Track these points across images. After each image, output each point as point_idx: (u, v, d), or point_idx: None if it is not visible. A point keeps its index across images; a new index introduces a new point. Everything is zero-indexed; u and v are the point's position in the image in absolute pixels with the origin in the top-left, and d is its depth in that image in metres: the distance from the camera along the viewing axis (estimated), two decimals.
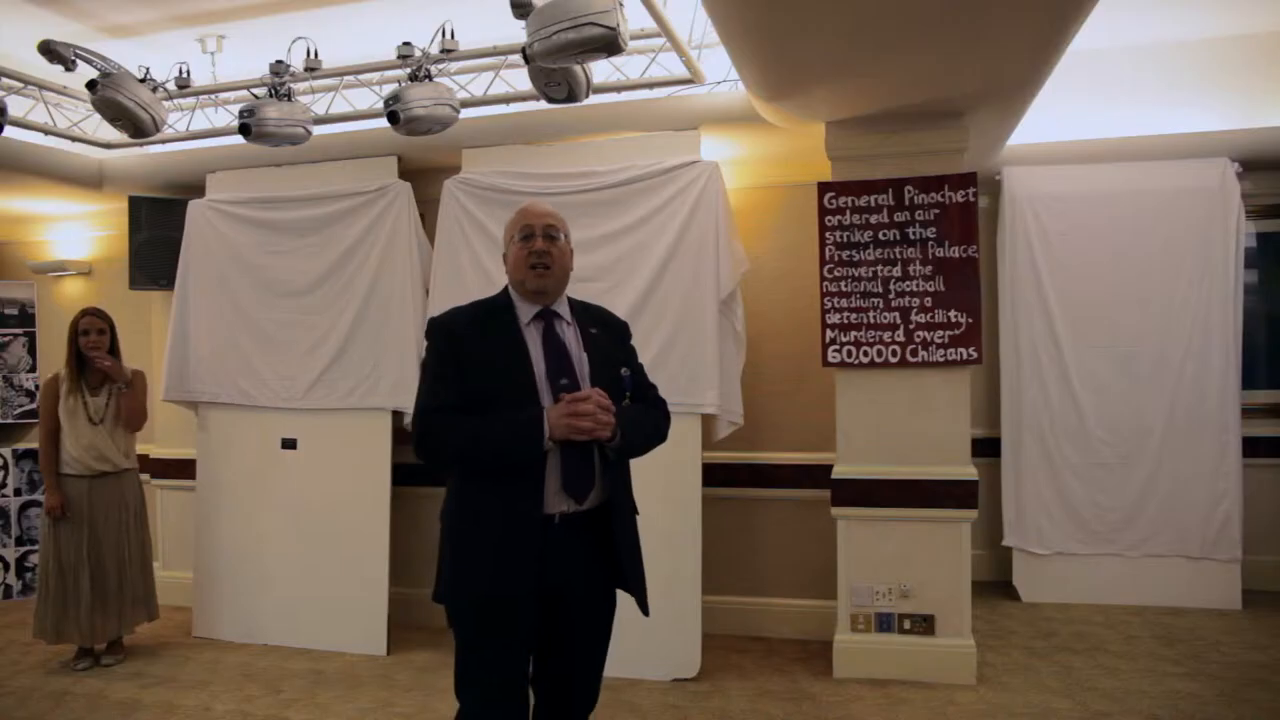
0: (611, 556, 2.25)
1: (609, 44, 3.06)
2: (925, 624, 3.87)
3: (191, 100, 4.68)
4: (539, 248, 2.25)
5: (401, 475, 4.54)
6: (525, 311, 2.29)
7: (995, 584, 5.17)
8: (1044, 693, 3.71)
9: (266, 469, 4.70)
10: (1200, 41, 4.69)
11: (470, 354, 2.21)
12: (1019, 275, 5.00)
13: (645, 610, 2.33)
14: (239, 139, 4.13)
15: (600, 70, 3.84)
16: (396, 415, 4.49)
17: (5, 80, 4.17)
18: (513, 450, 2.14)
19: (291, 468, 4.66)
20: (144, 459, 4.67)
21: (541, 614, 2.20)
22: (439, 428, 2.19)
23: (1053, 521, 4.96)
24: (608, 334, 2.38)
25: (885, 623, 3.91)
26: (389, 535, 4.47)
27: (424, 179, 4.63)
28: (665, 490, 3.98)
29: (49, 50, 3.74)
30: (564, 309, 2.33)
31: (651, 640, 3.95)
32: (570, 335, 2.30)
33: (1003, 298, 5.07)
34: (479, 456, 2.18)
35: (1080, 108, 4.72)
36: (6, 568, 5.54)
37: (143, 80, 4.04)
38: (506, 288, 2.35)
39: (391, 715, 3.67)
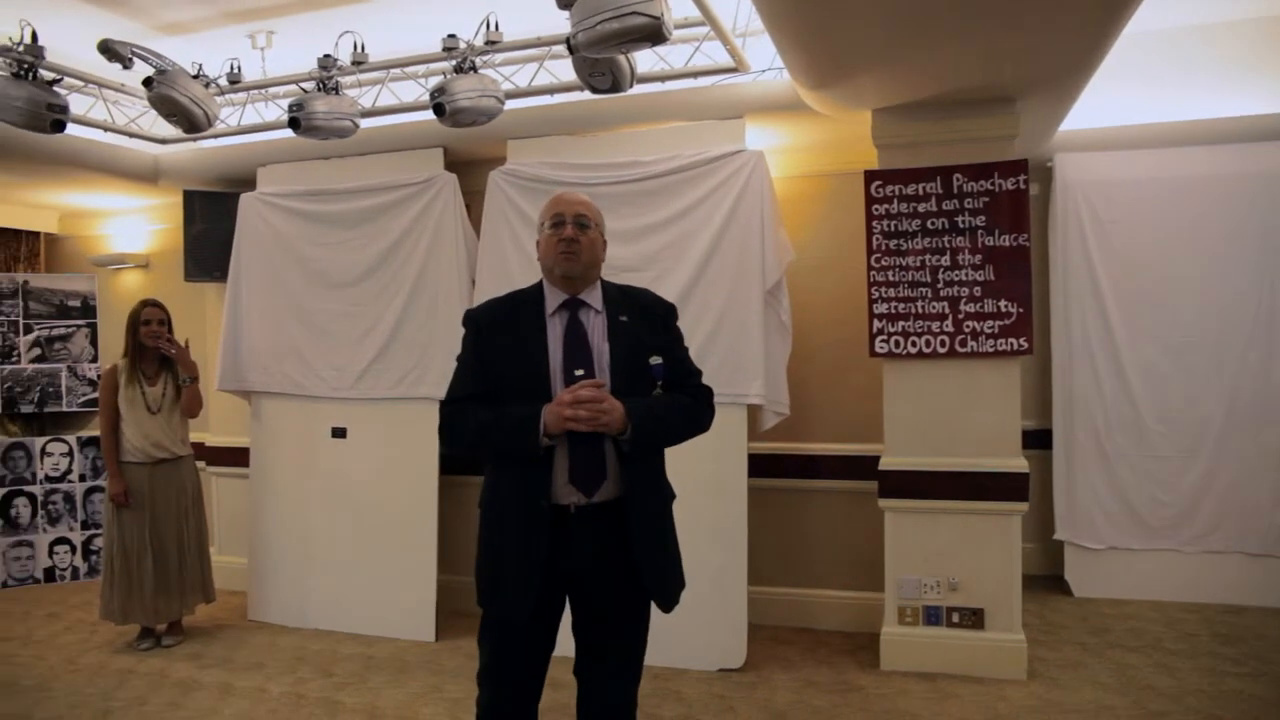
0: (628, 551, 2.21)
1: (653, 33, 3.05)
2: (974, 618, 3.82)
3: (242, 95, 4.77)
4: (568, 235, 2.26)
5: (449, 464, 4.61)
6: (552, 301, 2.30)
7: (1046, 578, 5.08)
8: (1098, 689, 3.64)
9: (317, 457, 4.80)
10: (1260, 19, 4.52)
11: (492, 345, 2.28)
12: (1071, 264, 4.89)
13: (665, 608, 2.28)
14: (288, 133, 4.20)
15: (644, 60, 3.83)
16: None
17: (67, 79, 4.29)
18: (512, 446, 2.18)
19: (341, 456, 4.75)
20: (199, 446, 4.80)
21: (562, 601, 2.28)
22: (453, 418, 2.27)
23: (1106, 515, 4.85)
24: (644, 320, 2.33)
25: (933, 616, 3.87)
26: (437, 523, 4.53)
27: (469, 170, 4.67)
28: (711, 481, 3.98)
29: (108, 49, 3.84)
30: (594, 297, 2.32)
31: (698, 630, 3.96)
32: (596, 325, 2.29)
33: (1054, 287, 4.96)
34: (487, 448, 2.28)
35: (1135, 91, 4.58)
36: (73, 550, 5.74)
37: (196, 76, 4.14)
38: (541, 279, 2.37)
39: (441, 700, 3.73)
